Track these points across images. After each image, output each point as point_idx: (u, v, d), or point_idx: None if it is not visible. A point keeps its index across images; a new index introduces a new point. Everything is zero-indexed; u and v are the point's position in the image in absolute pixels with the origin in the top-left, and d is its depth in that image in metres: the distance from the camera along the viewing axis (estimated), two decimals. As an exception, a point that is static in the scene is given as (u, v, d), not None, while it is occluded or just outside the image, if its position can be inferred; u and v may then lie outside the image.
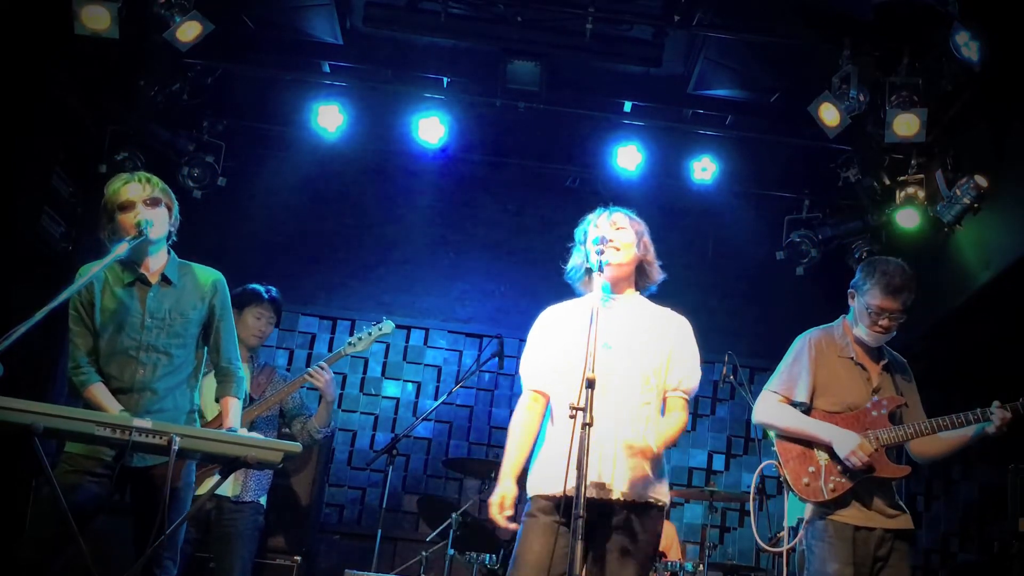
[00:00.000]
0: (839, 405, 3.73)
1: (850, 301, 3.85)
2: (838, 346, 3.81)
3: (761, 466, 3.92)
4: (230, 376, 3.79)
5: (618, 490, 3.12)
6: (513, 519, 3.21)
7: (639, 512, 3.16)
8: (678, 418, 3.29)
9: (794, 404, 3.77)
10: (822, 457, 3.67)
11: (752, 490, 3.98)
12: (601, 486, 3.11)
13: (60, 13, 5.31)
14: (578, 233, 3.46)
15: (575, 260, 3.45)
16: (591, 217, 3.46)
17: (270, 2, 6.29)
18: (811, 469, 3.66)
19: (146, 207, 3.58)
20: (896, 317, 3.71)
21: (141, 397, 3.55)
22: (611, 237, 3.31)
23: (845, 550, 3.54)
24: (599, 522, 3.14)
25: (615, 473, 3.12)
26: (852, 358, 3.79)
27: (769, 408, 3.80)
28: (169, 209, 3.69)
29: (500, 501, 3.21)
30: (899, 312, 3.70)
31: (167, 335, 3.63)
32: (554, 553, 3.05)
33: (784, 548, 3.71)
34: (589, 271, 3.35)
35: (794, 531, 3.71)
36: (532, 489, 3.26)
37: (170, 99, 6.41)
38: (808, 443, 3.71)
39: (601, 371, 2.91)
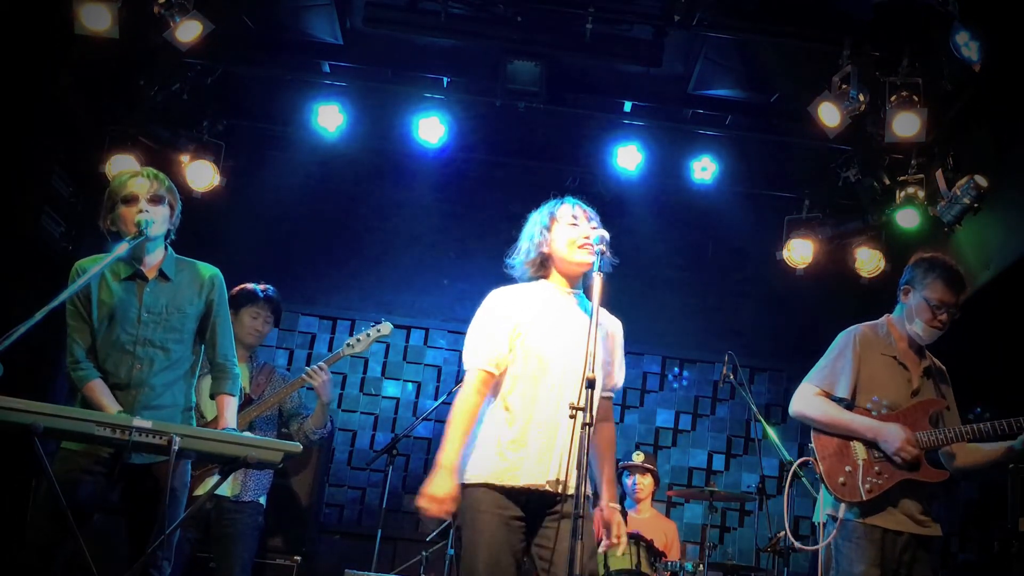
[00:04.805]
0: (879, 404, 3.63)
1: (903, 298, 3.75)
2: (882, 343, 3.72)
3: (798, 462, 3.78)
4: (226, 372, 3.75)
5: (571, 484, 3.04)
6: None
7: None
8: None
9: (834, 400, 3.67)
10: (859, 456, 3.57)
11: (787, 485, 3.90)
12: (557, 481, 3.06)
13: (60, 13, 5.31)
14: (541, 217, 3.35)
15: (533, 242, 3.34)
16: (559, 208, 3.35)
17: (270, 2, 6.29)
18: (848, 468, 3.56)
19: (149, 204, 3.58)
20: (953, 313, 3.67)
21: (139, 393, 3.53)
22: (598, 235, 3.22)
23: (873, 551, 3.48)
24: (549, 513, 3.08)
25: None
26: (895, 357, 3.70)
27: (808, 401, 3.68)
28: (172, 208, 3.69)
29: (444, 497, 3.02)
30: (956, 307, 3.67)
31: (164, 330, 3.60)
32: (513, 552, 3.01)
33: (820, 545, 3.60)
34: (544, 257, 3.31)
35: (826, 528, 3.58)
36: (479, 476, 3.10)
37: (170, 99, 6.41)
38: (846, 439, 3.61)
39: (563, 367, 3.09)
